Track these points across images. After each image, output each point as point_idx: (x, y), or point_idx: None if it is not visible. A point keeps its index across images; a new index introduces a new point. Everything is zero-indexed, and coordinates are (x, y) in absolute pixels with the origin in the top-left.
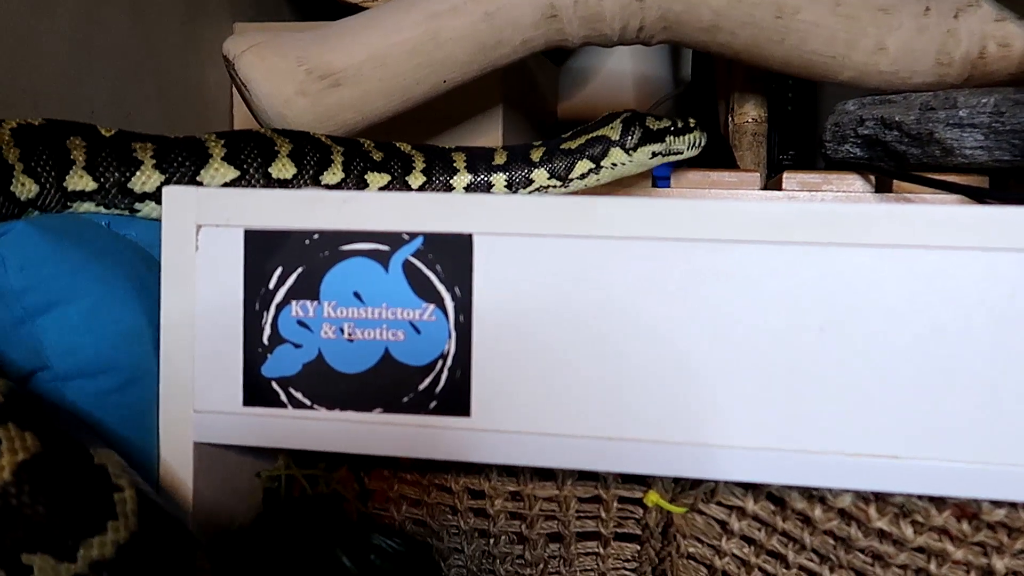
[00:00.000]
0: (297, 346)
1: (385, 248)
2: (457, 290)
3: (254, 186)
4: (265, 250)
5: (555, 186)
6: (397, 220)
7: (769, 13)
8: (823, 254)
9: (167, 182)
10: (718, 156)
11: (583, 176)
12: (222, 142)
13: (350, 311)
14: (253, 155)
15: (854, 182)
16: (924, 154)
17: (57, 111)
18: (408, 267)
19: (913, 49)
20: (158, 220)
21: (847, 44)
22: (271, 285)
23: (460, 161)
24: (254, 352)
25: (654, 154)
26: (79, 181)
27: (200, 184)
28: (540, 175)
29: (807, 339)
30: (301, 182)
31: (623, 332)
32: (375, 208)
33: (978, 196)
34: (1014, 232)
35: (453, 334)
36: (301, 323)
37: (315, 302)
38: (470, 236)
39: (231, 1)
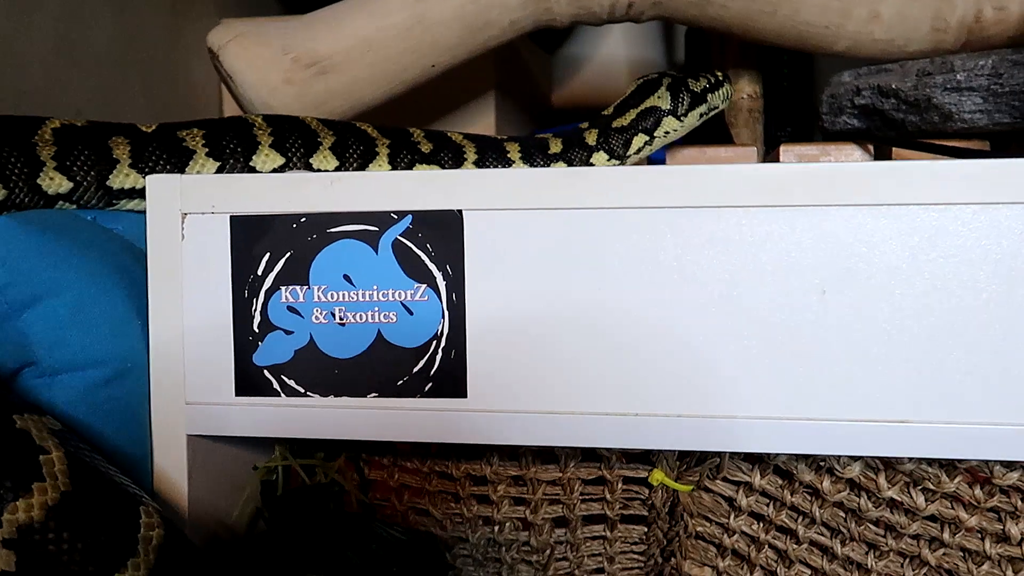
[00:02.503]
0: (288, 332)
1: (374, 229)
2: (449, 268)
3: None
4: (252, 236)
5: (614, 166)
6: (384, 199)
7: None
8: (821, 216)
9: (220, 170)
10: (714, 133)
11: (639, 151)
12: (270, 129)
13: (341, 294)
14: (296, 144)
15: (852, 152)
16: (923, 121)
17: (41, 110)
18: (398, 247)
19: (907, 16)
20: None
21: (840, 13)
22: (259, 271)
23: (515, 152)
24: (244, 340)
25: (701, 115)
26: (125, 179)
27: (254, 170)
28: (600, 158)
29: (809, 304)
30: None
31: (620, 305)
32: (362, 188)
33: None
34: (1016, 185)
35: (446, 314)
36: (291, 309)
37: (305, 287)
38: (459, 212)
39: None
